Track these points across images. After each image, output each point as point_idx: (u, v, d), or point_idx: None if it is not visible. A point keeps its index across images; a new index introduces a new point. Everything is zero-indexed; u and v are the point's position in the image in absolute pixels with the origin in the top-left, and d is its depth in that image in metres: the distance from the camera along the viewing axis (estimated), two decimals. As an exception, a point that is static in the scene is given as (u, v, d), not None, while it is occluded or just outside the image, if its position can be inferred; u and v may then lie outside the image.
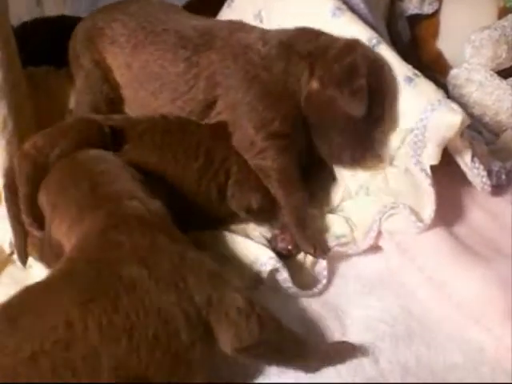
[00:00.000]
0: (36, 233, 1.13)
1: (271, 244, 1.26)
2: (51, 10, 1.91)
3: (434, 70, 1.65)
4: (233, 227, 1.30)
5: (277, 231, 1.27)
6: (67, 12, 1.90)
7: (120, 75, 1.41)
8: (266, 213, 1.29)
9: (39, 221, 1.11)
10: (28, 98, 1.29)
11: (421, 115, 1.22)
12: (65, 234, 1.02)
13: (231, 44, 1.33)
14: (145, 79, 1.37)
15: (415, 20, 1.74)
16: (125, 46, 1.39)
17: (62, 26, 1.68)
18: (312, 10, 1.37)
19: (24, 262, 1.18)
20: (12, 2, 1.36)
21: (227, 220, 1.31)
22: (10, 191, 1.17)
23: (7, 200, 1.17)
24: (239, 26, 1.39)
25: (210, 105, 1.32)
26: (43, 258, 1.13)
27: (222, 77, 1.30)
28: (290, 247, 1.24)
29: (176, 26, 1.39)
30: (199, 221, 1.26)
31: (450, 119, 1.19)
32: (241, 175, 1.29)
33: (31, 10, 1.89)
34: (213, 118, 1.33)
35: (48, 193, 1.09)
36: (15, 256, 1.19)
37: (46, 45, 1.57)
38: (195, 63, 1.33)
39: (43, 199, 1.09)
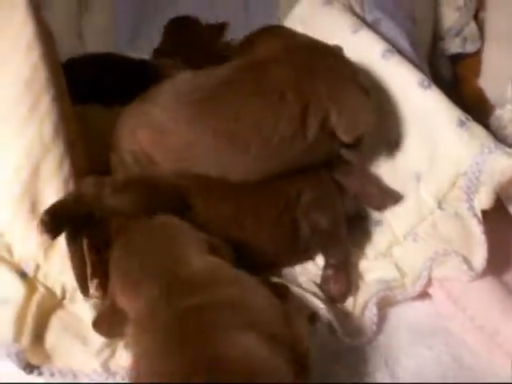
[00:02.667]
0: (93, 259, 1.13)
1: (323, 287, 1.23)
2: (92, 42, 1.93)
3: (476, 109, 1.63)
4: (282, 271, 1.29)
5: (330, 271, 1.24)
6: (108, 44, 1.92)
7: (172, 161, 1.26)
8: (331, 237, 1.27)
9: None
10: (79, 137, 1.28)
11: (476, 159, 1.21)
12: (127, 302, 1.01)
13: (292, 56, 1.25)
14: (223, 146, 1.21)
15: (457, 58, 1.75)
16: (178, 130, 1.23)
17: (109, 63, 1.70)
18: (362, 52, 1.37)
19: (86, 292, 1.16)
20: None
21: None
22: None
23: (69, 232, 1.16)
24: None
25: (303, 115, 1.21)
26: (102, 326, 1.08)
27: (306, 77, 1.22)
28: (343, 290, 1.22)
29: (214, 81, 1.26)
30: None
31: (507, 163, 1.17)
32: (313, 195, 1.28)
33: (72, 44, 1.91)
34: (307, 130, 1.21)
35: (114, 255, 1.09)
36: (66, 301, 1.16)
37: (93, 82, 1.57)
38: (270, 89, 1.20)
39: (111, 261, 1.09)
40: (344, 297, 1.23)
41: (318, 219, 1.27)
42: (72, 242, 1.16)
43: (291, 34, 1.33)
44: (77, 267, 1.16)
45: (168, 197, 1.21)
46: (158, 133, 1.24)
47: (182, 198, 1.22)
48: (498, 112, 1.58)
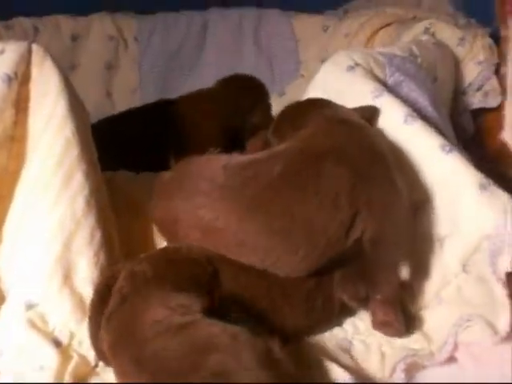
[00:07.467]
0: None
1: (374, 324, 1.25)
2: (120, 101, 1.98)
3: (499, 162, 1.65)
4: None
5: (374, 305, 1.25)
6: (135, 102, 1.97)
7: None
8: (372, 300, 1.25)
9: None
10: (109, 205, 1.31)
11: (498, 221, 1.23)
12: None
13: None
14: (274, 245, 1.17)
15: (479, 113, 1.76)
16: (228, 228, 1.18)
17: (130, 123, 1.76)
18: (384, 117, 1.39)
19: (103, 359, 1.17)
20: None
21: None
22: (99, 300, 1.18)
23: (93, 307, 1.19)
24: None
25: (351, 222, 1.18)
26: None
27: (362, 184, 1.19)
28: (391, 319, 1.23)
29: (268, 174, 1.21)
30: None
31: None
32: (346, 272, 1.26)
33: (101, 102, 1.97)
34: (350, 236, 1.19)
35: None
36: (99, 369, 1.19)
37: (115, 144, 1.63)
38: (326, 189, 1.18)
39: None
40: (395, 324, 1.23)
41: (354, 291, 1.25)
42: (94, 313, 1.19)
43: (340, 119, 1.31)
44: (94, 335, 1.18)
45: (194, 262, 1.19)
46: (206, 232, 1.21)
47: (210, 261, 1.19)
48: (521, 166, 1.60)
